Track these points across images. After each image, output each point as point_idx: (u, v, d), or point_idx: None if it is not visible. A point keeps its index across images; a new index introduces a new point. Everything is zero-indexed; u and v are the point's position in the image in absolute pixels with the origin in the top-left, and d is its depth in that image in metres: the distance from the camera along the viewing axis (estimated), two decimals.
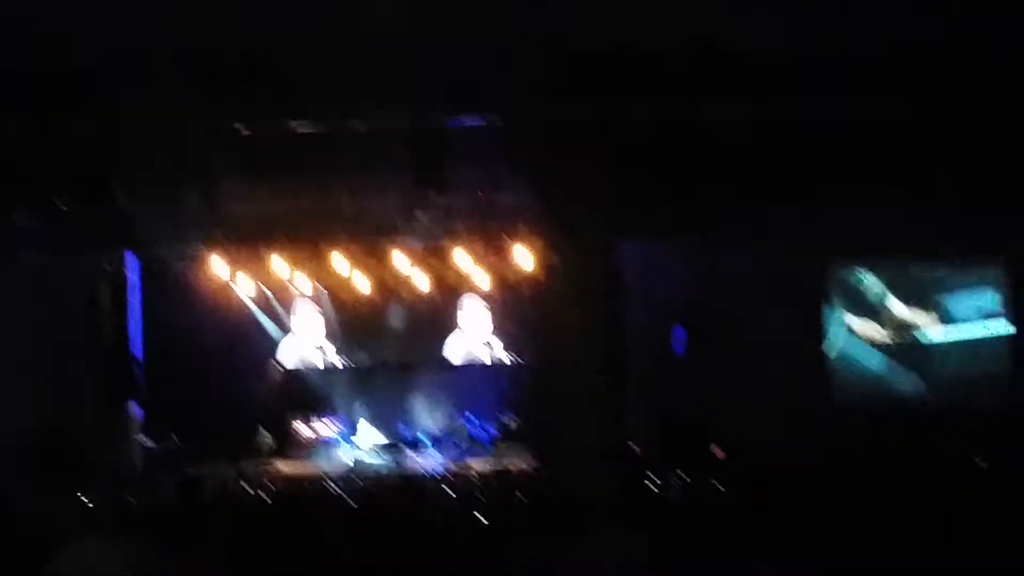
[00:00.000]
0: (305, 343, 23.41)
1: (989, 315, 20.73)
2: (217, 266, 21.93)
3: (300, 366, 23.36)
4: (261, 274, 22.58)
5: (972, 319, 20.74)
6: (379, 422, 22.80)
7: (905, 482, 14.18)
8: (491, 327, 23.24)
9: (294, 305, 23.31)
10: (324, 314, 23.35)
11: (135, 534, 11.69)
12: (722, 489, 14.91)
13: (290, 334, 23.40)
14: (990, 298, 20.75)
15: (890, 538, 11.95)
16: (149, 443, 21.56)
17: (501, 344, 23.17)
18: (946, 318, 20.88)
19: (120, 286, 21.27)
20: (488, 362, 23.28)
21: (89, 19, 15.75)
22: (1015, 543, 11.67)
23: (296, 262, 22.28)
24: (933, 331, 20.86)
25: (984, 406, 20.22)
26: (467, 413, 22.68)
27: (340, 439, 22.69)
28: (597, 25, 15.99)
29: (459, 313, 23.25)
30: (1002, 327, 20.64)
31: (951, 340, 20.84)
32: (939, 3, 15.32)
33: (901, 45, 16.45)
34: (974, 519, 12.42)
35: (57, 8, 15.66)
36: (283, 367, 23.30)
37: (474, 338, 23.29)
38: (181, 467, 20.09)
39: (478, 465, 20.84)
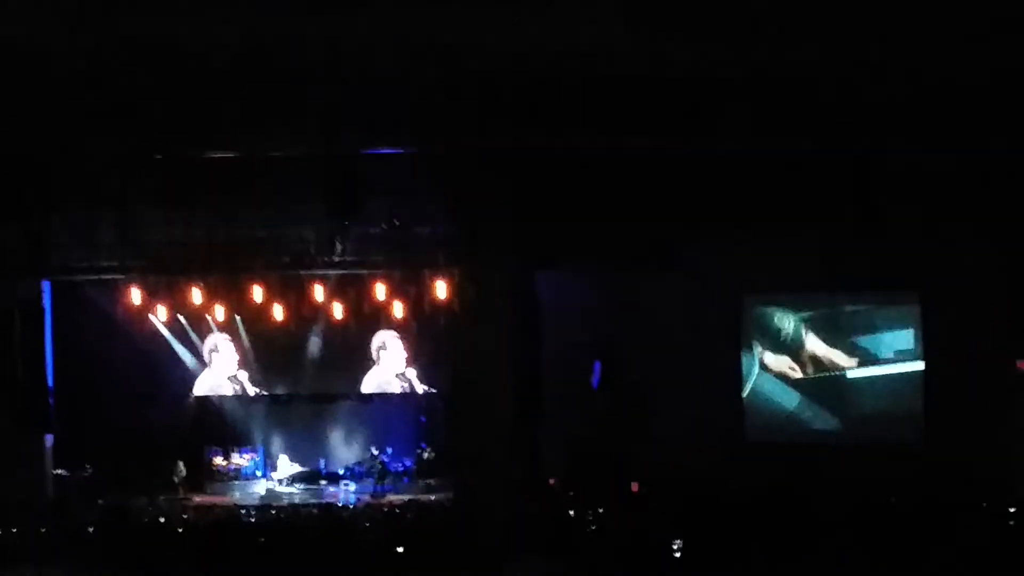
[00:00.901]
0: (219, 373, 23.31)
1: (903, 353, 20.89)
2: (133, 295, 21.71)
3: (214, 396, 23.33)
4: (176, 303, 22.36)
5: (886, 357, 20.85)
6: (295, 453, 22.83)
7: (816, 515, 14.30)
8: (406, 359, 23.19)
9: (208, 336, 23.15)
10: (239, 344, 23.20)
11: (51, 563, 11.64)
12: (637, 521, 15.00)
13: (204, 364, 23.27)
14: (904, 336, 20.87)
15: (804, 570, 12.05)
16: (63, 472, 21.38)
17: (417, 376, 23.12)
18: (861, 356, 21.00)
19: (35, 315, 20.85)
20: (402, 393, 23.28)
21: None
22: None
23: (211, 292, 22.05)
24: (848, 368, 20.97)
25: (897, 441, 20.33)
26: (383, 445, 22.71)
27: (256, 470, 22.64)
28: (512, 58, 15.97)
29: (374, 345, 23.24)
30: (915, 364, 20.75)
31: (865, 376, 20.98)
32: (860, 48, 15.41)
33: (816, 80, 16.53)
34: (888, 551, 12.57)
35: None
36: (198, 397, 23.26)
37: (389, 370, 23.24)
38: (96, 497, 19.97)
39: (394, 497, 20.89)
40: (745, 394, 21.20)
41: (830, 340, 20.97)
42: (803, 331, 21.07)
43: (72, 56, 15.61)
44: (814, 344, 21.02)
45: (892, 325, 20.82)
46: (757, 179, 18.66)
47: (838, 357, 20.92)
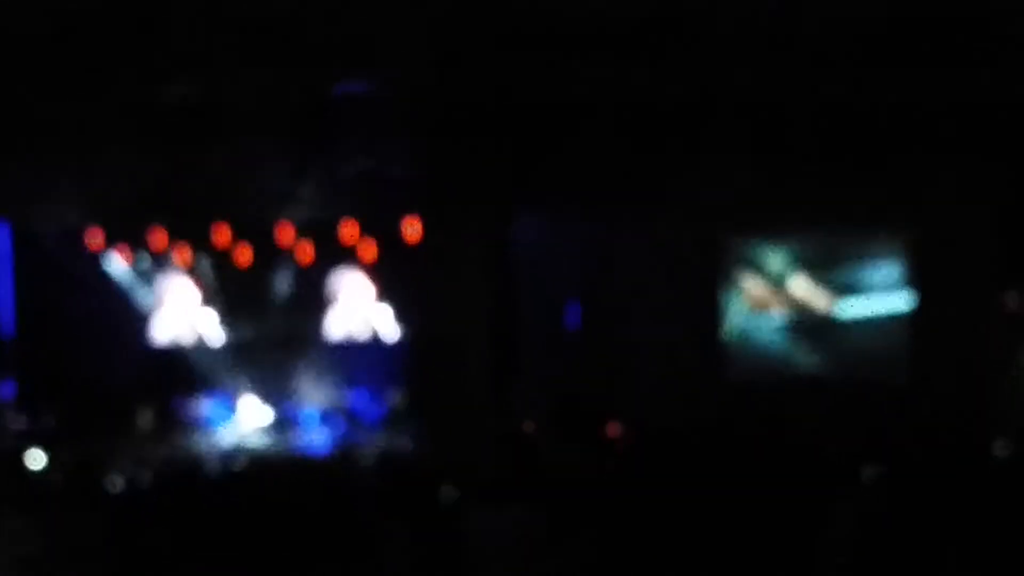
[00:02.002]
0: (182, 319, 23.09)
1: (890, 288, 20.67)
2: (93, 238, 21.52)
3: (178, 342, 23.14)
4: (139, 248, 22.26)
5: (873, 291, 20.78)
6: (264, 400, 22.64)
7: (801, 458, 14.10)
8: (377, 302, 23.01)
9: (172, 279, 22.89)
10: (204, 289, 22.97)
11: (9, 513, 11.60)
12: (616, 466, 14.82)
13: (167, 308, 23.04)
14: (891, 271, 20.64)
15: (785, 516, 11.85)
16: (22, 421, 21.17)
17: (389, 320, 22.95)
18: (845, 292, 20.87)
19: None
20: (373, 338, 23.11)
21: None
22: (910, 517, 11.66)
23: (175, 235, 22.00)
24: (834, 306, 20.91)
25: (884, 380, 20.19)
26: (353, 391, 22.61)
27: (223, 417, 22.49)
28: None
29: (340, 288, 23.00)
30: (903, 302, 20.61)
31: (851, 315, 20.79)
32: None
33: (795, 12, 16.44)
34: (869, 493, 12.44)
35: None
36: (160, 343, 23.10)
37: (359, 313, 23.07)
38: (58, 447, 19.76)
39: (365, 444, 20.74)
40: (728, 335, 21.09)
41: (816, 278, 20.86)
42: (790, 269, 20.95)
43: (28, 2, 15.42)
44: (799, 284, 20.91)
45: (880, 260, 20.66)
46: (735, 115, 18.51)
47: (821, 298, 20.83)
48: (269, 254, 22.09)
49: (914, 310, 20.37)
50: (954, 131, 18.52)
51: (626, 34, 16.58)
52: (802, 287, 20.85)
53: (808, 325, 20.85)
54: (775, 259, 20.93)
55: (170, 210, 20.80)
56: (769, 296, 21.01)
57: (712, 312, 20.95)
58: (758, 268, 21.04)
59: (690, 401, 19.24)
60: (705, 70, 17.39)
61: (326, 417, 22.30)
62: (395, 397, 22.40)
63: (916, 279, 20.33)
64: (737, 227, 20.96)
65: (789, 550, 11.19)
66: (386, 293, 22.97)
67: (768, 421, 17.39)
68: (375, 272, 22.70)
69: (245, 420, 22.35)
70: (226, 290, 22.90)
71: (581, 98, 18.36)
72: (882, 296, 20.61)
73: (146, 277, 22.74)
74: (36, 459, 18.97)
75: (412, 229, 20.90)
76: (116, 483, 15.49)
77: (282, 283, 22.60)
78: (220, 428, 22.23)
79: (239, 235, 21.83)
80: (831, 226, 20.59)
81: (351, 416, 22.21)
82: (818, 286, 20.78)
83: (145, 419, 21.89)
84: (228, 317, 23.07)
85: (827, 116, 18.48)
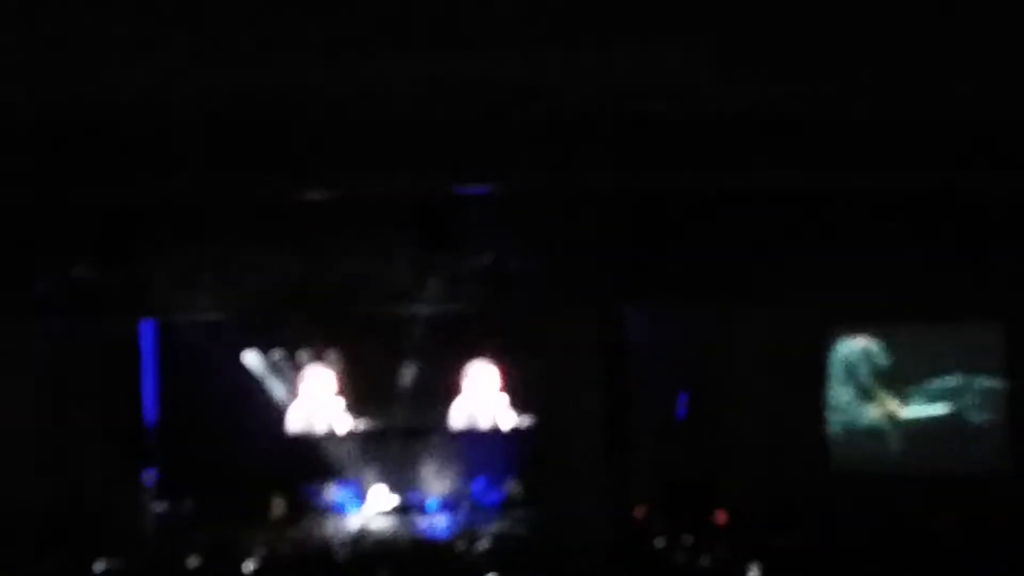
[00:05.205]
0: (313, 409, 23.72)
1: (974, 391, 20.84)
2: (230, 332, 22.19)
3: (310, 431, 23.72)
4: (272, 340, 23.02)
5: (958, 397, 20.91)
6: (388, 487, 23.11)
7: (901, 546, 14.34)
8: (497, 393, 23.54)
9: (304, 371, 23.60)
10: (334, 380, 23.62)
11: None
12: (724, 553, 15.10)
13: (300, 399, 23.71)
14: (980, 374, 20.84)
15: None
16: (162, 508, 21.78)
17: (507, 409, 23.44)
18: (937, 395, 20.98)
19: (134, 352, 21.47)
20: (493, 427, 23.63)
21: (102, 91, 15.90)
22: None
23: (306, 328, 22.68)
24: (923, 408, 21.04)
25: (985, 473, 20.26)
26: (474, 478, 22.97)
27: (350, 503, 22.94)
28: (600, 97, 16.19)
29: (466, 379, 23.60)
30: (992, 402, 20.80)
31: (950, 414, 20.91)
32: (940, 73, 15.43)
33: (899, 113, 16.57)
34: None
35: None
36: (293, 432, 23.69)
37: (481, 403, 23.61)
38: (194, 531, 20.32)
39: (485, 530, 21.08)
40: (840, 427, 21.31)
41: (908, 380, 21.11)
42: (880, 379, 21.21)
43: (174, 104, 16.10)
44: (889, 398, 21.13)
45: (974, 358, 20.86)
46: (839, 213, 18.87)
47: (918, 400, 21.05)
48: (397, 346, 22.67)
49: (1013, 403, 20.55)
50: None
51: (735, 131, 16.98)
52: (896, 398, 21.06)
53: (907, 424, 21.08)
54: (870, 364, 21.19)
55: (304, 304, 21.14)
56: (868, 394, 21.14)
57: (817, 406, 21.23)
58: (858, 369, 21.25)
59: (796, 489, 19.47)
60: (821, 168, 17.67)
61: (448, 502, 22.76)
62: (512, 484, 22.81)
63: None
64: (844, 324, 21.28)
65: None
66: (506, 383, 23.53)
67: (873, 511, 17.67)
68: (495, 363, 23.37)
69: (372, 506, 22.80)
70: (356, 381, 23.57)
71: (695, 192, 18.76)
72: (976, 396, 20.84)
73: (280, 368, 23.50)
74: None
75: (531, 321, 21.25)
76: (251, 567, 16.13)
77: (408, 374, 23.24)
78: (349, 514, 22.70)
79: (369, 328, 22.44)
80: (932, 323, 20.84)
81: (472, 501, 22.62)
82: (912, 393, 21.02)
83: (279, 505, 22.43)
84: (356, 407, 23.69)
85: (926, 219, 18.64)
